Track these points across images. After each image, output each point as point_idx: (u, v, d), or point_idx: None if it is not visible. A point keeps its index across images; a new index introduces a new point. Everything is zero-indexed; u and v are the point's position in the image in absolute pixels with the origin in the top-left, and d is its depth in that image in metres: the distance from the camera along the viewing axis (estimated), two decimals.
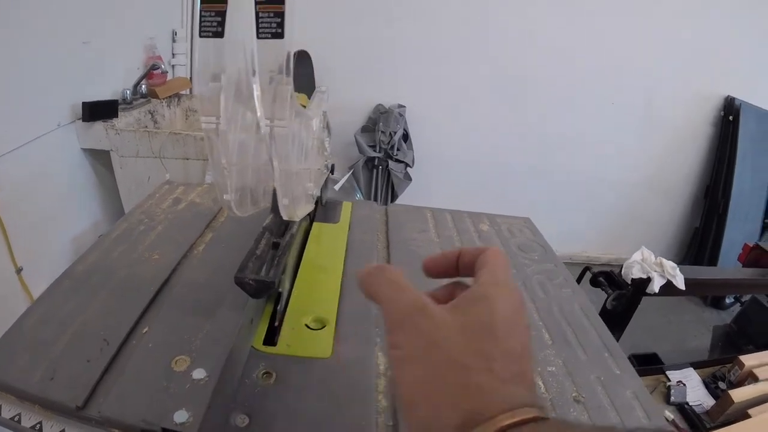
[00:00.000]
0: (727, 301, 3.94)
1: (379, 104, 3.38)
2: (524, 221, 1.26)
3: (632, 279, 1.60)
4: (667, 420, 1.63)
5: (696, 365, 1.99)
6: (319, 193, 0.83)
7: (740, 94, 4.14)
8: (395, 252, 1.01)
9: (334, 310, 0.80)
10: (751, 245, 2.64)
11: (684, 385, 1.82)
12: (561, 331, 0.86)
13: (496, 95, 3.62)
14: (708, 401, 1.78)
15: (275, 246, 0.71)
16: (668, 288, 1.64)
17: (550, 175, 4.00)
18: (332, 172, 1.05)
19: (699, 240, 4.33)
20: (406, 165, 3.27)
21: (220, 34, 0.48)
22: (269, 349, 0.70)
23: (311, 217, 1.06)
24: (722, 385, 1.87)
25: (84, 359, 0.65)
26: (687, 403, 1.75)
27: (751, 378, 1.75)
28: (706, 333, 2.99)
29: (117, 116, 2.28)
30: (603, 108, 3.83)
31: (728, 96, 4.10)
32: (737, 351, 2.22)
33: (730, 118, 4.06)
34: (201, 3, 0.48)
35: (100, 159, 2.40)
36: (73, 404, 0.57)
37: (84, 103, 2.16)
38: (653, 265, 1.60)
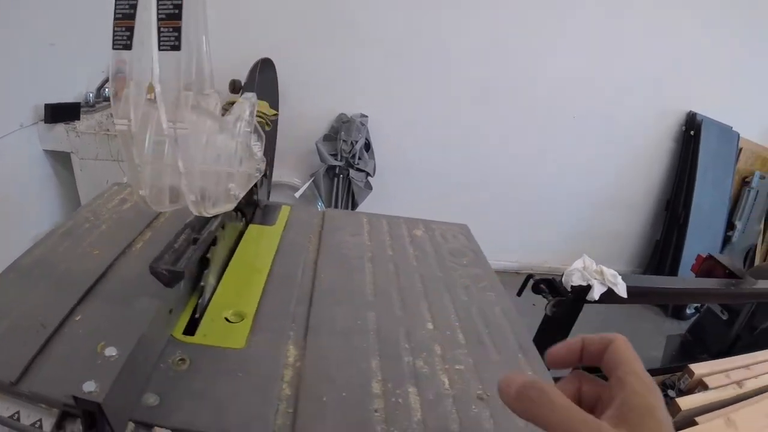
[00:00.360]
0: (688, 311, 4.02)
1: (342, 113, 3.44)
2: (460, 228, 1.32)
3: (572, 286, 1.64)
4: None
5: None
6: (242, 194, 0.89)
7: (702, 110, 4.27)
8: (324, 254, 1.07)
9: (255, 306, 0.86)
10: (705, 256, 2.72)
11: None
12: (476, 332, 0.91)
13: (459, 108, 3.68)
14: None
15: (194, 241, 0.77)
16: (610, 296, 1.69)
17: (512, 187, 4.05)
18: (266, 175, 1.10)
19: (660, 252, 4.46)
20: (367, 174, 3.32)
21: (128, 47, 0.55)
22: (187, 339, 0.76)
23: (247, 220, 1.11)
24: (672, 393, 1.87)
25: (21, 342, 0.70)
26: None
27: (701, 386, 1.76)
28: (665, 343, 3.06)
29: (79, 119, 2.31)
30: (565, 122, 3.91)
31: (690, 111, 4.24)
32: (692, 360, 2.26)
33: (692, 133, 4.21)
34: (114, 20, 0.55)
35: (61, 161, 2.43)
36: (7, 380, 0.63)
37: (47, 105, 2.19)
38: (594, 273, 1.65)
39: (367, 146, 3.41)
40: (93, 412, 0.52)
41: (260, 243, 1.07)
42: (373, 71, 3.48)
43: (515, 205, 4.11)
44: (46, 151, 2.36)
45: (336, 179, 3.27)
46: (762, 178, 5.20)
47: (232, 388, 0.68)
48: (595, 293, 1.62)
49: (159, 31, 0.53)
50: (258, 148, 0.96)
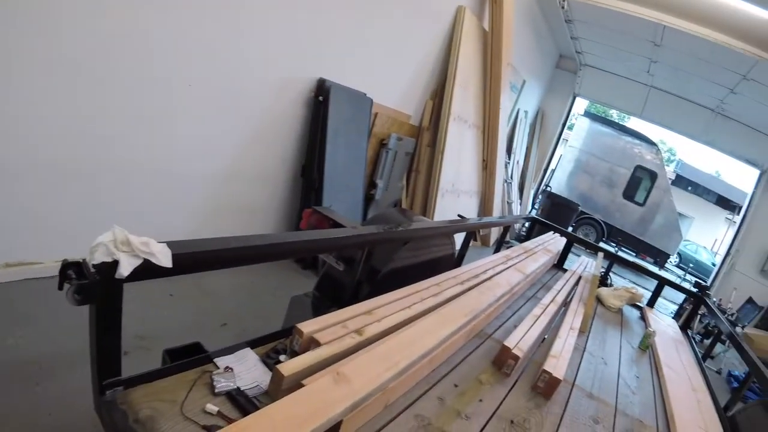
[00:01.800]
0: None
1: None
2: None
3: (96, 265, 1.42)
4: (212, 414, 1.51)
5: (257, 343, 1.93)
6: None
7: (335, 77, 4.44)
8: None
9: None
10: (310, 210, 2.74)
11: (231, 370, 1.74)
12: None
13: (47, 77, 2.79)
14: (267, 380, 1.68)
15: None
16: (151, 269, 1.49)
17: (125, 170, 3.36)
18: None
19: (299, 218, 4.48)
20: None
21: None
22: None
23: None
24: (284, 358, 1.81)
25: None
26: (238, 389, 1.66)
27: (314, 344, 1.70)
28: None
29: None
30: (183, 92, 3.45)
31: (320, 78, 4.37)
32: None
33: (321, 98, 4.33)
34: None
35: None
36: None
37: None
38: (120, 244, 1.45)
39: None
40: None
41: None
42: None
43: (134, 190, 3.47)
44: None
45: None
46: (399, 139, 5.71)
47: None
48: (123, 269, 1.38)
49: None
50: None
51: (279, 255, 2.06)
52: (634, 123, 18.60)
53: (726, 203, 25.56)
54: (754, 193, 11.61)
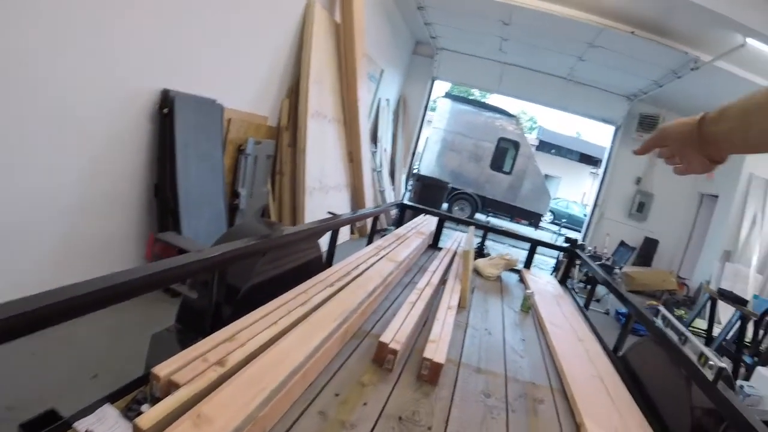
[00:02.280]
0: None
1: None
2: None
3: None
4: None
5: (116, 396, 1.73)
6: None
7: (180, 86, 4.14)
8: None
9: None
10: (152, 239, 2.54)
11: None
12: None
13: None
14: None
15: None
16: None
17: None
18: None
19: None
20: None
21: None
22: None
23: None
24: (146, 407, 1.61)
25: None
26: None
27: (174, 386, 1.54)
28: None
29: None
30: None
31: (164, 89, 4.04)
32: None
33: (165, 110, 4.01)
34: None
35: None
36: None
37: None
38: None
39: None
40: None
41: None
42: None
43: None
44: None
45: None
46: (257, 143, 5.49)
47: None
48: None
49: None
50: None
51: (117, 298, 1.83)
52: (494, 99, 19.58)
53: (589, 159, 27.52)
54: (611, 147, 13.08)
